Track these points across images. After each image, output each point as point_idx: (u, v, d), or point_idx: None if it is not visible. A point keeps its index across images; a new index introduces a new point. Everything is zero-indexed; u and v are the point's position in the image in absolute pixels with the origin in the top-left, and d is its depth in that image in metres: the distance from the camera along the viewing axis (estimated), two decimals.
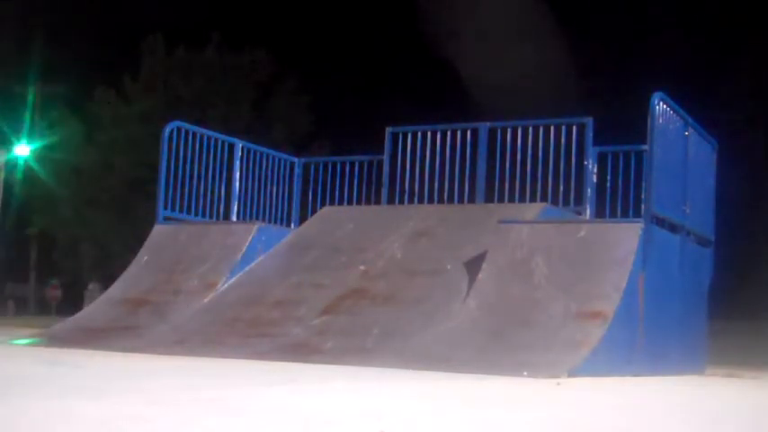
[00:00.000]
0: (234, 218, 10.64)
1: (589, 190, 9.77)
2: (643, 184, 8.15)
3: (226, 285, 8.81)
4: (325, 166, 11.22)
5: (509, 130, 10.10)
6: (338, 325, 7.66)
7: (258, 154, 10.97)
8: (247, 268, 9.06)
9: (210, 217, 10.46)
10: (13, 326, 15.88)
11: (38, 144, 34.20)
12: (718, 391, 6.38)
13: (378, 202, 10.66)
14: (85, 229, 33.02)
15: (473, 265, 7.96)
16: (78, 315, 9.34)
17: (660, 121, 7.85)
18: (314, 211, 10.52)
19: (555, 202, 9.68)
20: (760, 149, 29.82)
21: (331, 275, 8.48)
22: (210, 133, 10.47)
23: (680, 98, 8.35)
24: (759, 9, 31.16)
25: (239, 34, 32.84)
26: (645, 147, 8.16)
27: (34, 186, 34.23)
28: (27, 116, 35.24)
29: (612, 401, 4.85)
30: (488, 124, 10.29)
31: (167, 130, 9.93)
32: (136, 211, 28.59)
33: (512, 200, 9.79)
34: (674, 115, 8.30)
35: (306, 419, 3.18)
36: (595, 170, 9.82)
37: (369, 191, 11.02)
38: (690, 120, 8.66)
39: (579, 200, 9.78)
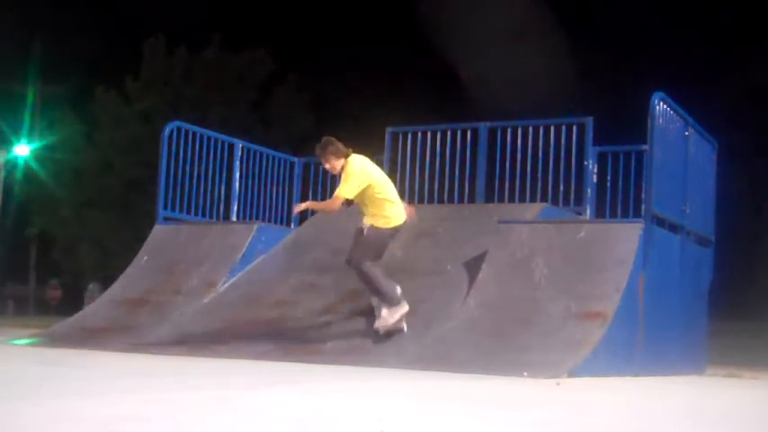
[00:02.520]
0: (234, 218, 10.64)
1: (589, 190, 9.76)
2: (643, 184, 8.15)
3: (226, 285, 8.81)
4: None
5: (509, 130, 10.09)
6: (338, 325, 7.66)
7: (258, 154, 10.97)
8: (247, 268, 9.06)
9: (210, 217, 10.46)
10: (13, 326, 15.88)
11: (38, 144, 34.21)
12: (718, 392, 6.38)
13: None
14: (85, 229, 33.03)
15: (473, 265, 7.97)
16: (78, 315, 9.34)
17: (660, 121, 7.84)
18: (314, 212, 10.52)
19: (555, 202, 9.67)
20: (760, 149, 29.82)
21: (331, 276, 8.48)
22: (210, 133, 10.46)
23: (680, 98, 8.35)
24: (759, 9, 31.18)
25: (239, 34, 32.87)
26: (645, 147, 8.16)
27: (34, 186, 34.24)
28: (27, 116, 35.23)
29: (612, 401, 4.85)
30: (488, 124, 10.29)
31: (167, 130, 9.93)
32: (136, 211, 28.62)
33: (512, 200, 9.78)
34: (675, 115, 8.30)
35: (306, 419, 3.18)
36: (595, 170, 9.82)
37: None
38: (690, 120, 8.66)
39: (579, 200, 9.77)
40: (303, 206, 7.85)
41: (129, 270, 9.43)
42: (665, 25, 34.41)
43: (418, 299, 7.84)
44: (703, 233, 9.32)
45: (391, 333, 7.30)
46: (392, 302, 7.32)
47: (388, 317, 7.30)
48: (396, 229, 7.56)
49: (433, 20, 31.96)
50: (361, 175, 7.38)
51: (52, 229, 34.80)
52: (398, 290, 7.37)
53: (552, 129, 9.88)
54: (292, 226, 10.96)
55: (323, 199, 10.90)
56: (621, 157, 9.50)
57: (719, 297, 10.19)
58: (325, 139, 7.55)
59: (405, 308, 7.33)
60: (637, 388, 5.95)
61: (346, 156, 7.43)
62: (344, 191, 7.33)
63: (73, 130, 33.63)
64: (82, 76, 33.88)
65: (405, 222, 7.63)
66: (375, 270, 7.36)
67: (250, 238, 9.28)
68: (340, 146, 7.45)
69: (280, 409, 3.46)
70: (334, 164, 7.43)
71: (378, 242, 7.47)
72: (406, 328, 7.36)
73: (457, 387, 5.11)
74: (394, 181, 10.63)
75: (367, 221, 7.53)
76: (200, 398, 3.76)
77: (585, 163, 9.77)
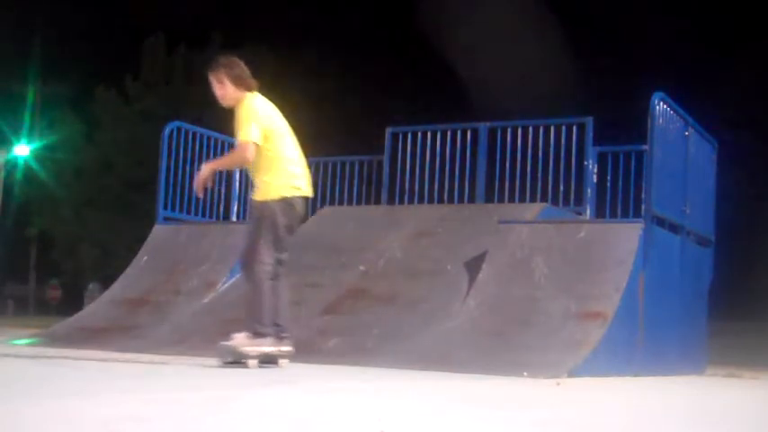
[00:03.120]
0: (234, 218, 10.64)
1: (589, 190, 9.76)
2: (643, 184, 8.15)
3: (226, 285, 8.80)
4: (326, 166, 11.21)
5: (509, 130, 10.09)
6: (338, 325, 7.66)
7: None
8: None
9: (210, 217, 10.45)
10: (13, 326, 15.87)
11: (38, 144, 34.24)
12: (718, 392, 6.38)
13: (378, 202, 10.66)
14: (85, 229, 33.07)
15: (473, 265, 7.96)
16: (78, 315, 9.34)
17: (660, 121, 7.84)
18: (314, 211, 10.52)
19: (555, 202, 9.68)
20: (760, 149, 29.83)
21: (331, 276, 8.47)
22: (210, 133, 10.46)
23: (680, 98, 8.35)
24: (759, 9, 31.18)
25: (239, 33, 32.88)
26: (645, 147, 8.16)
27: (34, 186, 34.26)
28: (27, 116, 35.26)
29: (612, 401, 4.85)
30: (488, 124, 10.29)
31: (167, 129, 9.92)
32: (136, 211, 28.64)
33: (512, 200, 9.78)
34: (675, 115, 8.30)
35: (306, 419, 3.18)
36: (595, 170, 9.82)
37: (369, 191, 11.01)
38: (690, 120, 8.66)
39: (579, 200, 9.77)
40: (204, 175, 5.90)
41: (129, 270, 9.43)
42: (665, 25, 34.42)
43: (418, 299, 7.85)
44: (703, 233, 9.32)
45: (233, 361, 5.68)
46: (257, 332, 5.68)
47: (244, 343, 5.68)
48: (288, 203, 5.77)
49: (433, 20, 31.95)
50: (264, 117, 5.81)
51: (52, 229, 34.83)
52: (281, 328, 5.76)
53: (552, 129, 9.88)
54: None
55: (323, 200, 10.93)
56: (621, 157, 9.50)
57: (719, 297, 10.20)
58: (230, 57, 6.16)
59: (268, 348, 5.72)
60: (637, 388, 5.95)
61: (247, 90, 5.90)
62: (248, 133, 5.70)
63: (73, 130, 33.66)
64: (82, 76, 33.90)
65: (307, 198, 5.98)
66: (267, 284, 5.72)
67: None
68: (246, 73, 5.96)
69: (280, 409, 3.46)
70: (228, 91, 5.92)
71: (268, 223, 5.72)
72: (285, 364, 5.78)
73: (457, 387, 5.11)
74: (393, 181, 10.74)
75: (253, 196, 5.95)
76: (200, 398, 3.76)
77: (585, 163, 9.77)
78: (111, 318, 8.61)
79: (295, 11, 37.57)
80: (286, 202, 5.78)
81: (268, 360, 5.77)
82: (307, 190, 5.93)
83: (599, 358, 6.61)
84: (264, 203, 5.79)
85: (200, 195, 6.22)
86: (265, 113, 5.86)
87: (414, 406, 3.90)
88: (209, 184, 6.09)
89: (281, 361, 5.83)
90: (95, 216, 32.75)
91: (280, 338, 5.79)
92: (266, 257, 5.71)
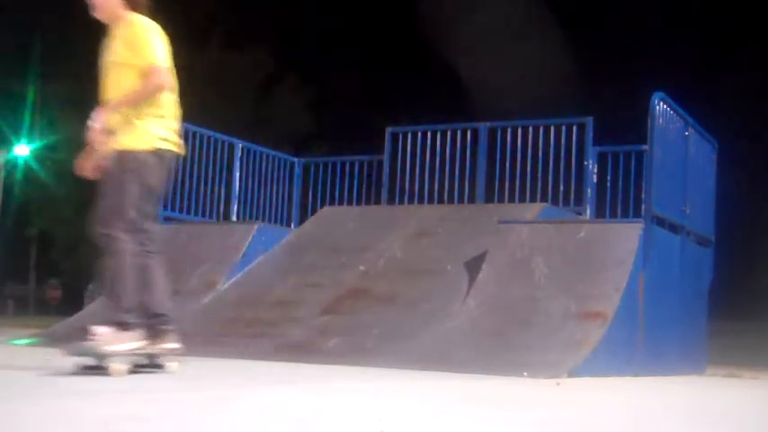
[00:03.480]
0: (234, 218, 10.64)
1: (589, 190, 9.76)
2: (643, 184, 8.15)
3: (226, 285, 8.80)
4: (325, 166, 11.22)
5: (509, 130, 10.10)
6: (338, 325, 7.66)
7: (258, 154, 10.97)
8: (247, 268, 9.06)
9: (210, 217, 10.45)
10: (13, 326, 15.87)
11: (38, 144, 34.23)
12: (718, 392, 6.38)
13: (378, 202, 10.66)
14: (85, 229, 33.04)
15: (473, 265, 7.96)
16: (78, 315, 9.33)
17: (660, 121, 7.84)
18: (314, 211, 10.52)
19: (555, 202, 9.68)
20: (760, 150, 29.83)
21: (331, 276, 8.48)
22: (210, 133, 10.45)
23: (680, 98, 8.35)
24: (759, 9, 31.18)
25: (240, 34, 32.87)
26: (645, 147, 8.16)
27: (34, 186, 34.26)
28: (27, 116, 35.24)
29: (612, 401, 4.85)
30: (488, 124, 10.30)
31: None
32: None
33: (512, 200, 9.79)
34: (675, 115, 8.30)
35: (306, 419, 3.18)
36: (595, 170, 9.82)
37: (369, 191, 11.02)
38: (690, 120, 8.66)
39: (579, 200, 9.77)
40: (100, 125, 4.62)
41: None
42: (665, 25, 34.44)
43: (418, 299, 7.85)
44: (703, 233, 9.32)
45: (93, 366, 4.49)
46: (120, 322, 4.52)
47: (107, 339, 4.45)
48: (161, 157, 4.67)
49: (433, 20, 31.95)
50: (164, 44, 4.73)
51: (52, 229, 34.83)
52: (162, 319, 4.70)
53: (552, 129, 9.89)
54: (292, 226, 10.97)
55: (323, 200, 10.93)
56: (621, 157, 9.50)
57: (719, 297, 10.20)
58: None
59: (137, 343, 4.57)
60: (637, 388, 5.95)
61: (133, 9, 4.79)
62: (157, 56, 4.69)
63: (73, 130, 33.64)
64: (82, 75, 33.84)
65: (178, 158, 4.90)
66: (130, 258, 4.64)
67: (250, 238, 9.28)
68: None
69: (280, 409, 3.47)
70: (112, 2, 4.81)
71: (135, 177, 4.59)
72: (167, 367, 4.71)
73: (457, 387, 5.11)
74: (393, 181, 10.75)
75: (113, 143, 4.61)
76: (200, 398, 3.76)
77: (585, 163, 9.77)
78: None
79: (295, 10, 37.58)
80: (159, 156, 4.67)
81: (150, 362, 4.74)
82: (180, 148, 4.90)
83: (599, 358, 6.61)
84: (131, 154, 4.59)
85: (101, 149, 4.67)
86: (164, 40, 4.77)
87: (414, 406, 3.90)
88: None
89: (167, 364, 4.75)
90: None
91: (160, 332, 4.68)
92: (124, 225, 4.60)
